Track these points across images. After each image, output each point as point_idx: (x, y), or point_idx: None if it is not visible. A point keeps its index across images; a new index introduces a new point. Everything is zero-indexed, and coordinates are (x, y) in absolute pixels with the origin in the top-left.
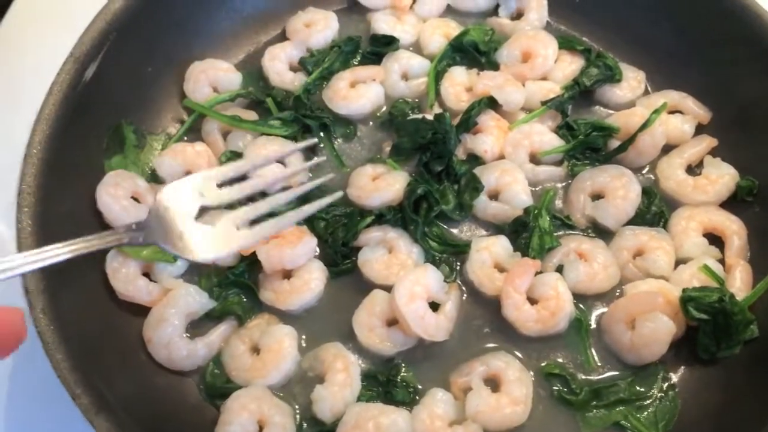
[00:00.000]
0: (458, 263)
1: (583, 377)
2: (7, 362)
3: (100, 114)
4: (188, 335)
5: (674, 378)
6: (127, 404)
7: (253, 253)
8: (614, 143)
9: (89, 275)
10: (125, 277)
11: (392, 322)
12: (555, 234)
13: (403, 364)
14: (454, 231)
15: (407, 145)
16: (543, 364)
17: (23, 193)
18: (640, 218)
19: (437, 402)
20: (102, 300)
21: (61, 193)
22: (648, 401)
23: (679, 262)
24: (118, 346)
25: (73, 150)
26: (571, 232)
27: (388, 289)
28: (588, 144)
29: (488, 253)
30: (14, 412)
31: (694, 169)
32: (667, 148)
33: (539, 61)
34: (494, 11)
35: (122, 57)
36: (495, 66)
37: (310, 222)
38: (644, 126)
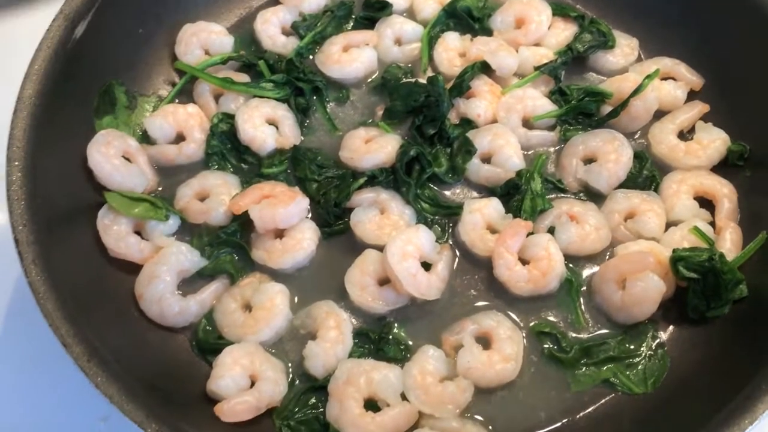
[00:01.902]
0: (450, 225)
1: (574, 336)
2: None
3: (90, 73)
4: (180, 293)
5: (663, 337)
6: (119, 356)
7: (245, 213)
8: (607, 109)
9: (80, 231)
10: (117, 234)
11: (384, 281)
12: (547, 197)
13: (395, 323)
14: (447, 193)
15: (400, 109)
16: (534, 323)
17: (13, 147)
18: (632, 182)
19: (428, 358)
20: (93, 256)
21: (51, 150)
22: (637, 359)
23: (670, 224)
24: (109, 301)
25: (64, 107)
26: (563, 195)
27: (380, 249)
28: (581, 109)
29: (480, 214)
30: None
31: (685, 135)
32: (659, 114)
33: (533, 27)
34: None
35: (113, 16)
36: (488, 32)
37: (302, 183)
38: (637, 91)
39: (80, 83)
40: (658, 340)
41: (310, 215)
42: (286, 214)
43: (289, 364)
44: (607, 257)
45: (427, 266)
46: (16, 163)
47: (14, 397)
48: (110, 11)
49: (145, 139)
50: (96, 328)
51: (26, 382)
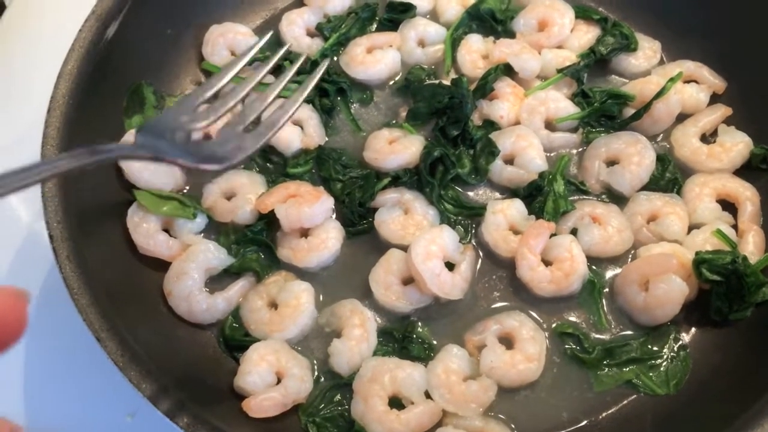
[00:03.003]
0: (473, 225)
1: (596, 336)
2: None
3: (121, 73)
4: (208, 290)
5: (686, 338)
6: (149, 351)
7: (271, 212)
8: (629, 111)
9: (111, 229)
10: (146, 231)
11: (408, 280)
12: (569, 199)
13: (418, 322)
14: (470, 194)
15: (423, 110)
16: (556, 324)
17: (47, 145)
18: (654, 184)
19: (452, 357)
20: (123, 254)
21: None
22: (660, 360)
23: (692, 227)
24: (139, 297)
25: (95, 106)
26: (585, 197)
27: (404, 248)
28: (603, 111)
29: (503, 215)
30: (33, 364)
31: (708, 138)
32: (682, 117)
33: (555, 30)
34: None
35: (143, 18)
36: (511, 34)
37: (326, 183)
38: (660, 94)
39: (110, 83)
40: (680, 342)
41: (334, 215)
42: (311, 213)
43: (315, 362)
44: (630, 259)
45: (450, 266)
46: None
47: (43, 394)
48: (140, 12)
49: None
50: (127, 323)
51: (55, 379)
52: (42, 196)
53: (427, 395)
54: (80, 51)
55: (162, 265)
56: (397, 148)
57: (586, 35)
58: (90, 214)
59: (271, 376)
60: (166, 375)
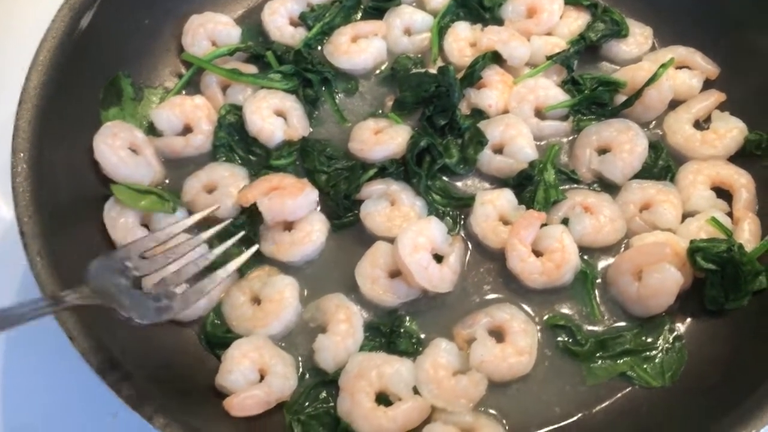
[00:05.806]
0: (462, 216)
1: (589, 328)
2: None
3: (96, 64)
4: (188, 286)
5: (681, 329)
6: (126, 351)
7: (254, 205)
8: (620, 98)
9: (86, 224)
10: (124, 226)
11: (395, 273)
12: (560, 188)
13: (406, 315)
14: (458, 185)
15: (410, 99)
16: (548, 316)
17: (18, 138)
18: (647, 172)
19: (441, 352)
20: (99, 250)
21: (57, 141)
22: (654, 352)
23: (686, 215)
24: None
25: (69, 99)
26: (576, 186)
27: (391, 241)
28: (594, 99)
29: (493, 206)
30: (13, 363)
31: (702, 124)
32: (675, 104)
33: (545, 17)
34: None
35: (119, 7)
36: (499, 22)
37: (311, 175)
38: (651, 80)
39: (86, 74)
40: (675, 333)
41: (319, 207)
42: (294, 205)
43: (299, 358)
44: (623, 249)
45: (438, 258)
46: (22, 154)
47: (26, 393)
48: (116, 1)
49: (152, 131)
50: (103, 321)
51: (37, 378)
52: (13, 190)
53: (416, 391)
54: (53, 42)
55: None
56: (383, 138)
57: (576, 21)
58: (65, 209)
59: (253, 374)
60: (144, 374)
